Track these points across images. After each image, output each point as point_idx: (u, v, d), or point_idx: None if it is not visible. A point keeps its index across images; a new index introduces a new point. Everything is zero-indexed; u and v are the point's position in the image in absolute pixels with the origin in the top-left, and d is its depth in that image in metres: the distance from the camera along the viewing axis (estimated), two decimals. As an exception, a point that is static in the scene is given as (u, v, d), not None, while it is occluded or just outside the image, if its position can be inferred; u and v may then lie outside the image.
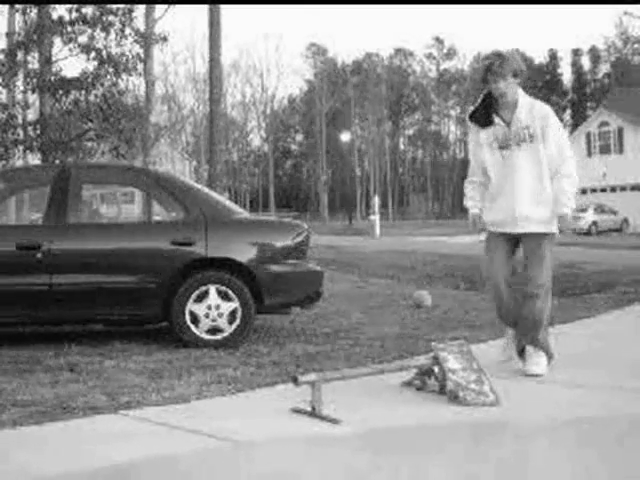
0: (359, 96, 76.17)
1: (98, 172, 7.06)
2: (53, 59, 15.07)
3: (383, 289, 10.35)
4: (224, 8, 18.96)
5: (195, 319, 5.75)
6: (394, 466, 3.21)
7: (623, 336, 6.13)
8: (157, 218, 6.60)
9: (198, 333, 5.73)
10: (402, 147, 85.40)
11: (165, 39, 17.87)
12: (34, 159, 17.15)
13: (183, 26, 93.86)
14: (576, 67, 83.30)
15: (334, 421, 3.41)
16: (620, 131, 42.30)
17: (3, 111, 14.57)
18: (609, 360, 4.98)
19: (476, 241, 4.78)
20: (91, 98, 14.63)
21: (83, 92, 14.50)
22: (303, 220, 8.04)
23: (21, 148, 14.83)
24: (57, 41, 14.86)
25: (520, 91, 4.46)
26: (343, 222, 50.51)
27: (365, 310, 7.97)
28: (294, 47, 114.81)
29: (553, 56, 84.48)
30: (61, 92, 14.42)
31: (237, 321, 5.79)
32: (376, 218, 32.88)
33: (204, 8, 18.57)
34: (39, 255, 5.69)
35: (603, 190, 42.18)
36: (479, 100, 4.58)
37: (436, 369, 3.97)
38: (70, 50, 14.85)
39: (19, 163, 15.75)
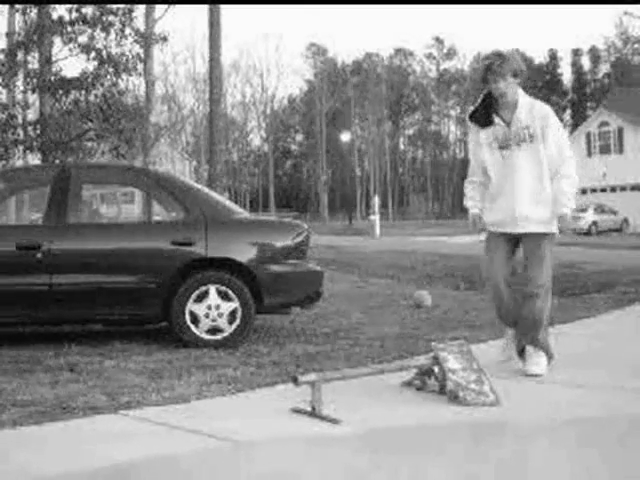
0: (359, 96, 76.19)
1: (98, 172, 7.06)
2: (53, 59, 15.07)
3: (383, 289, 10.35)
4: (224, 8, 18.99)
5: (195, 319, 5.75)
6: (394, 466, 3.21)
7: (623, 336, 6.13)
8: (157, 218, 6.60)
9: (198, 333, 5.73)
10: (402, 147, 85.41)
11: (165, 39, 17.87)
12: (34, 159, 17.15)
13: (183, 26, 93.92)
14: (576, 67, 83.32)
15: (334, 421, 3.41)
16: (620, 131, 42.30)
17: (3, 111, 14.57)
18: (609, 360, 4.98)
19: (476, 241, 4.78)
20: (91, 98, 14.63)
21: (83, 92, 14.50)
22: (303, 220, 8.05)
23: (21, 148, 14.83)
24: (57, 41, 14.87)
25: (520, 91, 4.46)
26: (343, 222, 50.50)
27: (365, 310, 7.97)
28: (294, 47, 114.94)
29: (553, 56, 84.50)
30: (61, 92, 14.43)
31: (237, 321, 5.79)
32: (376, 218, 32.87)
33: (204, 8, 18.59)
34: (39, 255, 5.69)
35: (603, 190, 42.19)
36: (479, 100, 4.58)
37: (436, 369, 3.97)
38: (70, 50, 14.86)
39: (19, 163, 15.75)
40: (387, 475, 3.19)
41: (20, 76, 15.41)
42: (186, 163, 61.42)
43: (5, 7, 18.57)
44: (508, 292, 4.54)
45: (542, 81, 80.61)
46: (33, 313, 5.79)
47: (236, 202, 55.33)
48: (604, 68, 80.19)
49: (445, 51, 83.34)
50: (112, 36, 14.69)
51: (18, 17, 16.54)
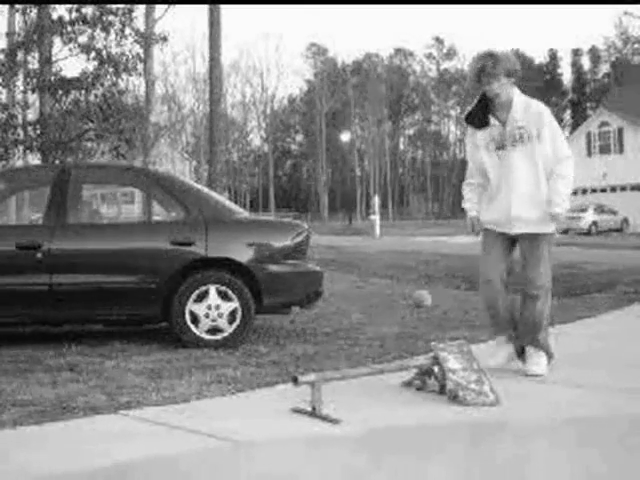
0: (359, 96, 76.19)
1: (98, 172, 7.05)
2: (53, 59, 15.06)
3: (383, 289, 10.35)
4: (224, 8, 19.01)
5: (195, 319, 5.75)
6: (394, 466, 3.21)
7: (623, 336, 6.13)
8: (157, 218, 6.60)
9: (198, 333, 5.73)
10: (402, 147, 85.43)
11: (165, 39, 17.86)
12: (34, 159, 17.15)
13: (183, 26, 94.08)
14: (576, 67, 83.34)
15: (334, 421, 3.41)
16: (620, 131, 42.30)
17: (3, 111, 14.56)
18: (609, 360, 4.99)
19: (476, 241, 4.76)
20: (91, 98, 14.61)
21: (83, 92, 14.48)
22: (303, 220, 8.04)
23: (21, 148, 14.82)
24: (57, 41, 14.84)
25: (515, 90, 4.43)
26: (343, 222, 50.51)
27: (365, 310, 7.97)
28: (294, 47, 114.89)
29: (553, 56, 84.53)
30: (61, 92, 14.41)
31: (237, 321, 5.79)
32: (376, 218, 32.86)
33: (204, 8, 18.61)
34: (39, 255, 5.69)
35: (603, 190, 42.19)
36: (475, 101, 4.57)
37: (436, 369, 3.97)
38: (70, 50, 14.84)
39: (19, 163, 15.75)
40: (387, 475, 3.19)
41: (20, 76, 15.40)
42: (186, 163, 61.41)
43: (5, 7, 18.61)
44: (502, 291, 4.50)
45: (542, 81, 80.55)
46: (33, 313, 5.79)
47: (236, 202, 55.36)
48: (604, 68, 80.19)
49: (445, 51, 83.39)
50: (112, 36, 14.68)
51: (18, 17, 16.56)
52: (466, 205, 4.68)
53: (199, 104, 63.80)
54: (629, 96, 44.60)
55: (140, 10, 19.52)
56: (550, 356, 4.53)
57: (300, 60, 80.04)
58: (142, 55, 15.97)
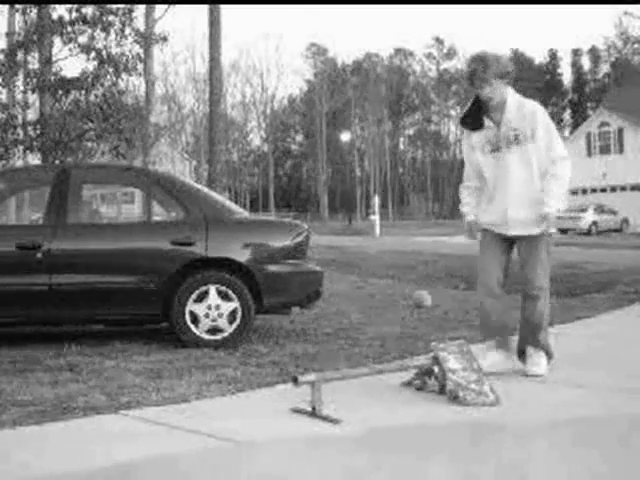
0: (359, 96, 76.19)
1: (98, 172, 7.05)
2: (53, 59, 15.05)
3: (383, 289, 10.35)
4: (224, 8, 19.02)
5: (195, 319, 5.75)
6: (394, 466, 3.21)
7: (623, 336, 6.13)
8: (157, 218, 6.60)
9: (198, 333, 5.73)
10: (402, 147, 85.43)
11: (165, 39, 17.85)
12: (34, 159, 17.15)
13: (183, 26, 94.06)
14: (576, 67, 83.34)
15: (334, 421, 3.41)
16: (620, 131, 42.31)
17: (3, 111, 14.56)
18: (609, 360, 4.99)
19: (475, 242, 4.76)
20: (91, 98, 14.60)
21: (83, 92, 14.48)
22: (303, 220, 8.04)
23: (21, 148, 14.81)
24: (57, 41, 14.84)
25: (509, 90, 4.41)
26: (343, 222, 50.49)
27: (365, 310, 7.97)
28: (294, 47, 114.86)
29: (553, 56, 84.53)
30: (61, 92, 14.40)
31: (237, 321, 5.79)
32: (376, 218, 32.86)
33: (204, 8, 18.62)
34: (39, 255, 5.69)
35: (603, 190, 42.19)
36: (469, 104, 4.56)
37: (436, 369, 3.97)
38: (70, 50, 14.83)
39: (19, 163, 15.74)
40: (387, 475, 3.19)
41: (20, 76, 15.39)
42: (186, 163, 61.40)
43: (5, 7, 18.60)
44: (498, 294, 4.48)
45: (542, 81, 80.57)
46: (33, 313, 5.79)
47: (236, 202, 55.36)
48: (604, 68, 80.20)
49: (445, 51, 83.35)
50: (112, 36, 14.67)
51: (18, 17, 16.53)
52: (463, 209, 4.66)
53: (199, 104, 63.85)
54: (629, 96, 44.62)
55: (140, 10, 19.54)
56: (550, 356, 4.53)
57: (300, 60, 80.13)
58: (142, 55, 15.97)
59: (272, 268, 5.95)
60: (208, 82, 20.86)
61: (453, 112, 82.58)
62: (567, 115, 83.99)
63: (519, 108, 4.37)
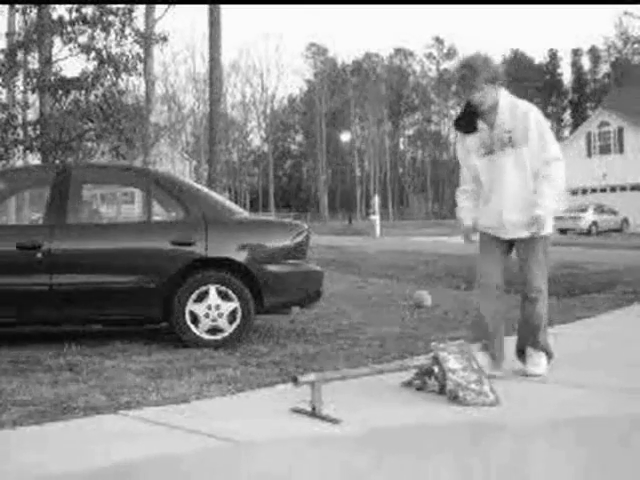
0: (359, 96, 76.21)
1: (98, 172, 7.06)
2: (53, 59, 15.05)
3: (383, 289, 10.35)
4: (224, 8, 19.02)
5: (195, 319, 5.75)
6: (394, 466, 3.21)
7: (623, 336, 6.13)
8: (157, 218, 6.60)
9: (198, 333, 5.74)
10: (402, 147, 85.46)
11: (165, 39, 17.85)
12: (34, 159, 17.14)
13: (183, 26, 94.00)
14: (576, 67, 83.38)
15: (334, 421, 3.41)
16: (620, 131, 42.30)
17: (3, 111, 14.56)
18: (609, 360, 4.99)
19: (476, 242, 4.76)
20: (91, 98, 14.60)
21: (83, 92, 14.48)
22: (303, 220, 8.05)
23: (21, 148, 14.81)
24: (57, 41, 14.84)
25: (501, 92, 4.37)
26: (343, 222, 50.49)
27: (365, 310, 7.97)
28: (294, 47, 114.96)
29: (553, 56, 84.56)
30: (61, 92, 14.40)
31: (237, 321, 5.79)
32: (376, 218, 32.84)
33: (204, 8, 18.61)
34: (39, 255, 5.69)
35: (603, 190, 42.19)
36: (462, 107, 4.54)
37: (436, 369, 3.97)
38: (70, 50, 14.83)
39: (19, 163, 15.74)
40: (387, 475, 3.19)
41: (20, 76, 15.39)
42: (186, 163, 61.38)
43: (5, 7, 18.58)
44: (495, 297, 4.47)
45: (542, 81, 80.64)
46: (33, 313, 5.79)
47: (236, 202, 55.35)
48: (604, 68, 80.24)
49: (445, 51, 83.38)
50: (112, 36, 14.67)
51: (18, 17, 16.54)
52: (460, 214, 4.62)
53: (199, 104, 63.83)
54: (629, 96, 44.61)
55: (140, 10, 19.52)
56: (550, 356, 4.53)
57: (300, 60, 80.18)
58: (142, 55, 15.96)
59: (272, 268, 5.95)
60: (208, 82, 20.87)
61: (453, 112, 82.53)
62: (567, 115, 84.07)
63: (512, 109, 4.34)
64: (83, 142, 14.92)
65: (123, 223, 7.79)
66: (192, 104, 64.80)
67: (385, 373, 4.04)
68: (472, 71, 4.28)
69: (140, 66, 17.07)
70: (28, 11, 15.07)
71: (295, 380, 3.55)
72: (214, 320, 5.75)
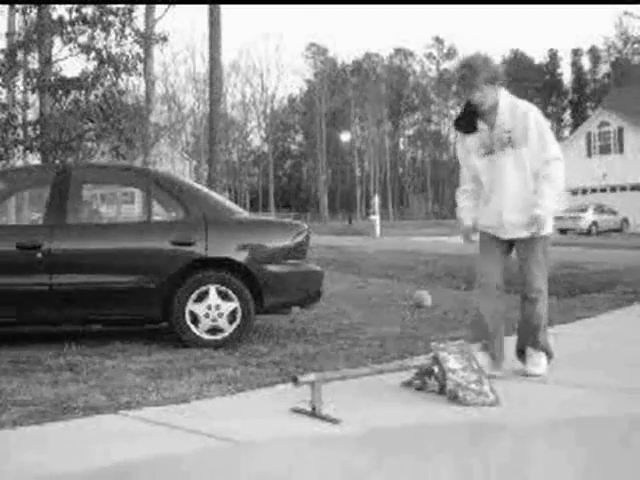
0: (359, 96, 76.21)
1: (98, 172, 7.06)
2: (53, 59, 15.05)
3: (383, 289, 10.35)
4: (224, 8, 19.04)
5: (195, 319, 5.75)
6: (394, 466, 3.21)
7: (623, 336, 6.13)
8: (157, 218, 6.60)
9: (198, 333, 5.74)
10: (402, 147, 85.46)
11: (165, 39, 17.85)
12: (34, 159, 17.14)
13: (183, 26, 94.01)
14: (576, 67, 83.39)
15: (334, 421, 3.41)
16: (620, 131, 42.29)
17: (3, 111, 14.55)
18: (609, 360, 4.98)
19: (476, 241, 4.76)
20: (91, 98, 14.60)
21: (83, 92, 14.48)
22: (303, 220, 8.05)
23: (21, 148, 14.81)
24: (57, 41, 14.84)
25: (501, 92, 4.36)
26: (343, 222, 50.50)
27: (365, 310, 7.97)
28: (294, 47, 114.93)
29: (553, 56, 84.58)
30: (61, 92, 14.40)
31: (237, 321, 5.79)
32: (376, 218, 32.84)
33: (204, 8, 18.63)
34: (39, 255, 5.69)
35: (603, 190, 42.18)
36: (462, 107, 4.54)
37: (436, 369, 3.97)
38: (70, 50, 14.83)
39: (19, 163, 15.74)
40: (387, 475, 3.19)
41: (20, 76, 15.38)
42: (186, 163, 61.38)
43: (5, 7, 18.58)
44: (494, 297, 4.46)
45: (542, 81, 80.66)
46: (33, 313, 5.79)
47: (236, 202, 55.33)
48: (604, 68, 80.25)
49: (445, 51, 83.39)
50: (112, 36, 14.66)
51: (18, 17, 16.54)
52: (460, 214, 4.62)
53: (199, 104, 63.84)
54: (629, 96, 44.61)
55: (140, 10, 19.51)
56: (550, 356, 4.53)
57: (300, 60, 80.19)
58: (142, 55, 15.96)
59: (272, 268, 5.95)
60: (208, 82, 20.87)
61: (453, 112, 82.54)
62: (567, 115, 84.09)
63: (512, 109, 4.34)
64: (83, 142, 14.92)
65: (123, 223, 7.79)
66: (192, 104, 64.88)
67: (385, 373, 4.04)
68: (472, 71, 4.28)
69: (140, 66, 17.07)
70: (28, 11, 15.07)
71: (295, 380, 3.55)
72: (214, 320, 5.75)
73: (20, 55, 15.10)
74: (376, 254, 16.84)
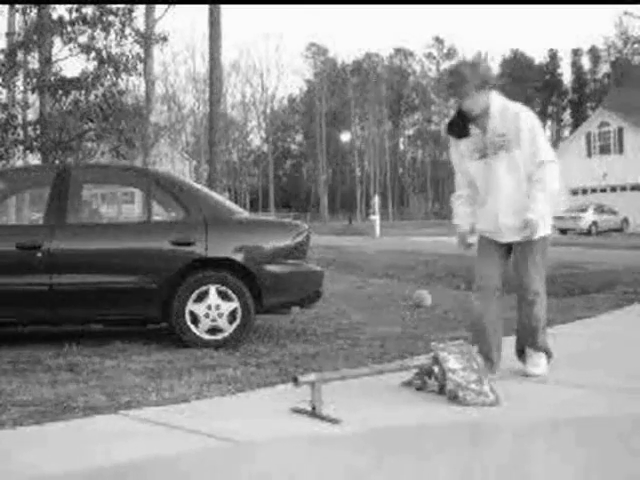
0: (359, 96, 76.21)
1: (98, 172, 7.06)
2: (53, 59, 15.06)
3: (383, 289, 10.35)
4: (224, 8, 19.02)
5: (195, 319, 5.75)
6: (394, 466, 3.21)
7: (623, 336, 6.13)
8: (157, 218, 6.60)
9: (198, 333, 5.74)
10: (402, 147, 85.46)
11: (165, 39, 17.86)
12: (34, 159, 17.15)
13: (183, 26, 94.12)
14: (576, 67, 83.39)
15: (334, 421, 3.41)
16: (620, 131, 42.28)
17: (3, 111, 14.55)
18: (609, 360, 4.98)
19: (473, 246, 4.77)
20: (91, 98, 14.60)
21: (83, 92, 14.48)
22: (303, 220, 8.05)
23: (21, 148, 14.82)
24: (57, 41, 14.84)
25: (493, 96, 4.33)
26: (343, 222, 50.49)
27: (365, 310, 7.97)
28: (294, 47, 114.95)
29: (553, 56, 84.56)
30: (61, 92, 14.40)
31: (237, 321, 5.79)
32: (376, 218, 32.84)
33: (204, 8, 18.61)
34: (39, 255, 5.69)
35: (603, 190, 42.18)
36: (454, 112, 4.53)
37: (436, 369, 3.97)
38: (70, 50, 14.83)
39: (19, 163, 15.75)
40: (387, 475, 3.19)
41: (20, 76, 15.38)
42: (186, 163, 61.39)
43: (5, 7, 18.57)
44: (493, 300, 4.46)
45: (542, 81, 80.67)
46: (33, 313, 5.79)
47: (236, 202, 55.33)
48: (604, 68, 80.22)
49: (445, 51, 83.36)
50: (112, 36, 14.67)
51: (18, 17, 16.54)
52: (455, 220, 4.60)
53: (199, 104, 63.87)
54: (629, 96, 44.56)
55: (140, 10, 19.55)
56: (550, 355, 4.53)
57: (300, 60, 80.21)
58: (142, 55, 15.97)
59: (272, 268, 5.95)
60: (208, 82, 20.87)
61: (453, 112, 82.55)
62: (567, 115, 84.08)
63: (503, 112, 4.31)
64: (83, 142, 14.92)
65: (123, 223, 7.79)
66: (192, 104, 64.92)
67: (385, 373, 4.04)
68: (461, 78, 4.27)
69: (140, 66, 17.07)
70: (28, 11, 15.07)
71: (295, 380, 3.55)
72: (214, 320, 5.76)
73: (20, 55, 15.10)
74: (376, 254, 16.84)
